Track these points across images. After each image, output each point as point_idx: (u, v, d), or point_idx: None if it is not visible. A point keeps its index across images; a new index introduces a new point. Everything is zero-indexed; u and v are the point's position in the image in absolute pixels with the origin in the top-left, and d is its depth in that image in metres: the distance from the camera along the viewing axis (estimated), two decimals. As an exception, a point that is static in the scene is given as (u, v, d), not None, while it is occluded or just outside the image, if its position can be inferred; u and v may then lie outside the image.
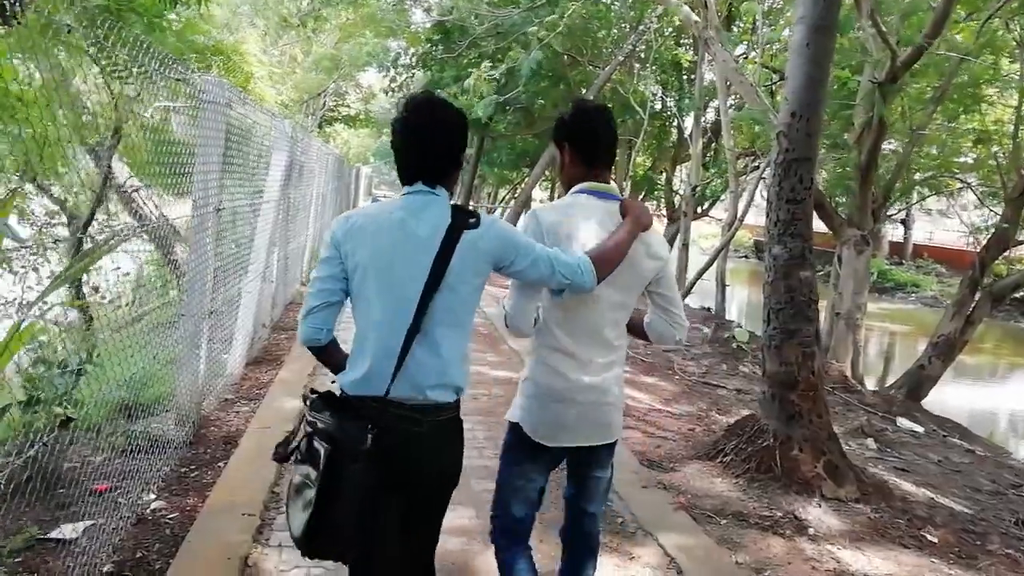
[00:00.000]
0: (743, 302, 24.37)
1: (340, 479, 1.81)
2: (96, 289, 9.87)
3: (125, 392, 3.76)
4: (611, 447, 2.39)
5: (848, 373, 8.74)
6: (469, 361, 2.07)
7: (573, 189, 2.32)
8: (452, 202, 2.02)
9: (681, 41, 18.69)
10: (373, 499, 1.88)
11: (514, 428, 2.32)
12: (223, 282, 5.19)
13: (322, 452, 1.82)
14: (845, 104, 8.86)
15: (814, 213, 4.91)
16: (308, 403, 1.96)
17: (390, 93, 18.28)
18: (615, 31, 18.42)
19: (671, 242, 18.57)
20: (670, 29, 17.68)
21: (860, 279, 9.23)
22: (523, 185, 22.20)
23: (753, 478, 4.17)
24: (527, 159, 19.26)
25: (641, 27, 16.40)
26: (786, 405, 4.30)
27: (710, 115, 18.48)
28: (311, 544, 1.87)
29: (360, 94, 29.75)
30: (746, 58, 15.69)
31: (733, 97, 15.34)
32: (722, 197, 19.24)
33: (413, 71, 18.41)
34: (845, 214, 8.99)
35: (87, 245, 9.43)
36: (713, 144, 18.86)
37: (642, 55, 17.77)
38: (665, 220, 19.96)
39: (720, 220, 23.09)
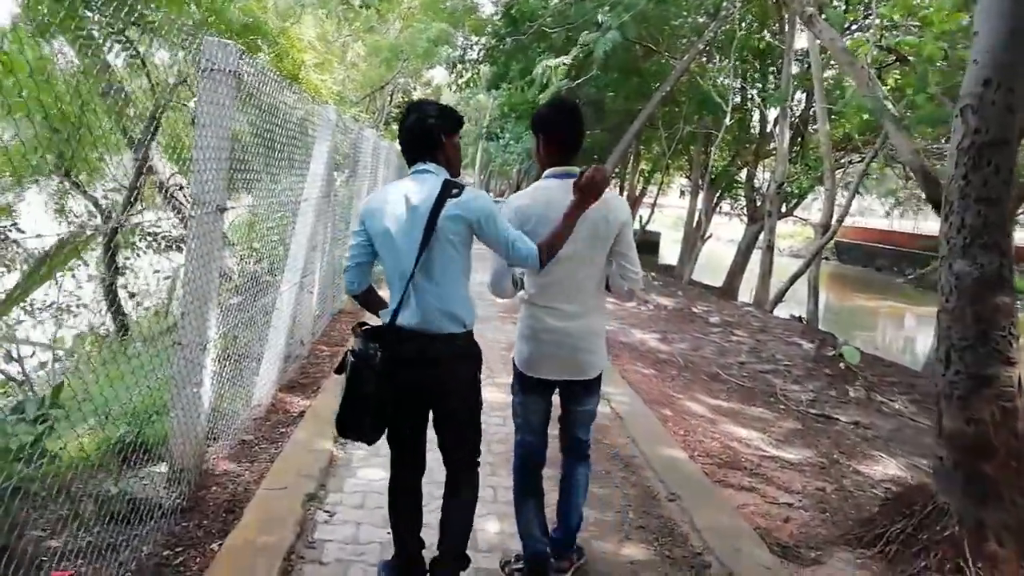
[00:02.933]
0: (822, 308, 22.64)
1: (359, 384, 2.44)
2: (132, 295, 9.24)
3: (91, 441, 2.91)
4: (588, 385, 2.87)
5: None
6: (472, 303, 2.59)
7: (545, 173, 2.77)
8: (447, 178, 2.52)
9: (764, 30, 17.25)
10: (394, 402, 2.50)
11: (514, 364, 2.90)
12: (244, 297, 4.32)
13: (348, 363, 2.47)
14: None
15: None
16: (354, 333, 2.52)
17: (455, 89, 17.36)
18: (691, 20, 17.10)
19: (752, 243, 17.20)
20: (750, 17, 16.27)
21: None
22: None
23: (933, 582, 3.02)
24: (595, 155, 18.08)
25: (722, 13, 15.07)
26: (976, 479, 3.13)
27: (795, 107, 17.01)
28: (341, 429, 2.53)
29: (427, 91, 29.07)
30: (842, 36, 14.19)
31: (827, 84, 13.90)
32: (809, 195, 17.73)
33: (479, 66, 17.48)
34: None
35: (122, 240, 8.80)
36: (800, 138, 17.35)
37: (720, 45, 16.43)
38: (745, 220, 18.48)
39: (803, 220, 21.49)
